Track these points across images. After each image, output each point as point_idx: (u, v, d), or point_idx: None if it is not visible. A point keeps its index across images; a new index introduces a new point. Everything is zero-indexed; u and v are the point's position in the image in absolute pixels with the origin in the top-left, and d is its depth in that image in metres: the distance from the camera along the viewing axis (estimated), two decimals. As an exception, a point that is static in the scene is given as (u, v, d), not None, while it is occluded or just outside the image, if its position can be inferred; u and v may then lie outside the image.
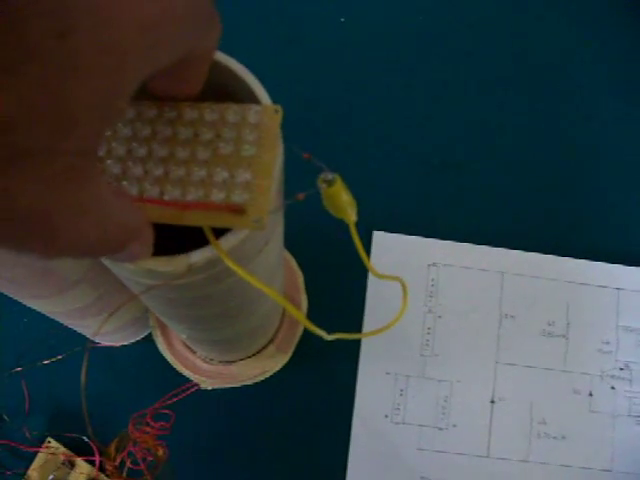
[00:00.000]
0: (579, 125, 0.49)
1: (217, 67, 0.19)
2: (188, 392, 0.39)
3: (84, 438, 0.40)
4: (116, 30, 0.11)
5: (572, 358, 0.44)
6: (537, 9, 0.52)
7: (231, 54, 0.19)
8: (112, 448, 0.35)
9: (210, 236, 0.17)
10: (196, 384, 0.40)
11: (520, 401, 0.43)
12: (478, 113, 0.49)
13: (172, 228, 0.17)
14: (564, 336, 0.44)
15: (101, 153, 0.17)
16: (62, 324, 0.37)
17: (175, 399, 0.38)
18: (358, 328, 0.43)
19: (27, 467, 0.39)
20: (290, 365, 0.41)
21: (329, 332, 0.19)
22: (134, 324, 0.40)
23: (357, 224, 0.20)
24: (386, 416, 0.42)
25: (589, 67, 0.51)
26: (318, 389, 0.43)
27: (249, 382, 0.40)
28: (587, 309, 0.45)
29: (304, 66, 0.50)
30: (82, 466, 0.39)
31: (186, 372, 0.40)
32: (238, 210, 0.17)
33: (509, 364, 0.43)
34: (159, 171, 0.17)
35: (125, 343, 0.42)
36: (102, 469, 0.38)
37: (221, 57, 0.19)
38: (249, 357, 0.41)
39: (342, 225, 0.20)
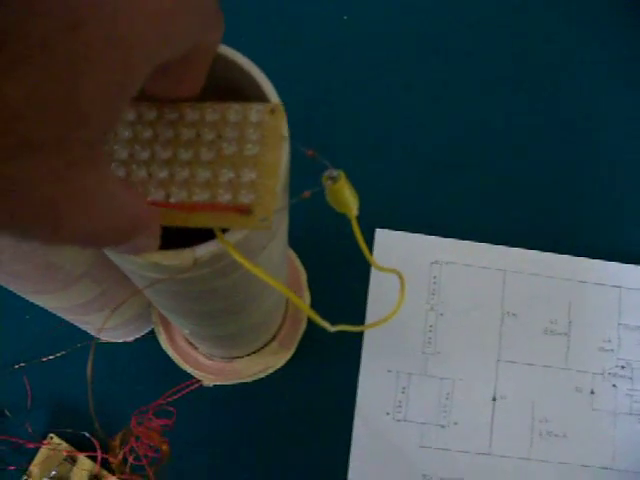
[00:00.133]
0: (578, 124, 0.50)
1: (222, 61, 0.19)
2: (190, 388, 0.39)
3: (86, 434, 0.40)
4: (125, 23, 0.12)
5: (574, 356, 0.44)
6: (537, 9, 0.52)
7: (233, 51, 0.19)
8: (117, 442, 0.35)
9: (217, 230, 0.17)
10: (198, 380, 0.40)
11: (522, 399, 0.43)
12: (478, 112, 0.49)
13: None
14: (566, 334, 0.44)
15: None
16: (64, 320, 0.37)
17: (177, 395, 0.38)
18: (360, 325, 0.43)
19: (29, 463, 0.39)
20: (292, 362, 0.41)
21: None
22: (137, 320, 0.40)
23: (359, 222, 0.20)
24: (388, 413, 0.42)
25: (589, 67, 0.51)
26: (320, 386, 0.43)
27: (251, 379, 0.40)
28: (589, 307, 0.45)
29: (306, 64, 0.50)
30: (84, 462, 0.39)
31: (188, 369, 0.40)
32: (245, 210, 0.17)
33: (511, 362, 0.44)
34: (163, 173, 0.17)
35: (128, 339, 0.42)
36: (104, 465, 0.38)
37: (227, 51, 0.19)
38: (251, 353, 0.41)
39: (345, 225, 0.20)
